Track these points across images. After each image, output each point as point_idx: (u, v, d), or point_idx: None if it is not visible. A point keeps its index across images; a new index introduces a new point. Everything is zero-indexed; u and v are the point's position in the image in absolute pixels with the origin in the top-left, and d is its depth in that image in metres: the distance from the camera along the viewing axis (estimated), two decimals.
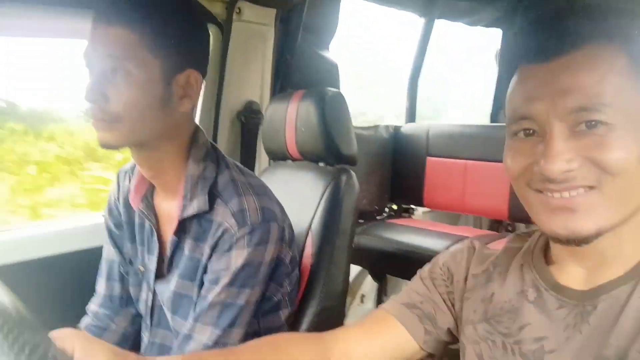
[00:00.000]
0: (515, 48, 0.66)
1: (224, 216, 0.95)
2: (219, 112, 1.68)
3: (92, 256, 1.23)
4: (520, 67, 0.64)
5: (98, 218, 1.48)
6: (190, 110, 1.00)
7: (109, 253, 1.18)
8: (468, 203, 2.19)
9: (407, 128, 2.48)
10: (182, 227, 1.00)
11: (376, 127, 2.38)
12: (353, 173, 1.32)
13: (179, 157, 1.00)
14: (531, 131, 0.62)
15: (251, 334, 0.97)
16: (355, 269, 2.33)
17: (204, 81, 1.01)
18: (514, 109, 0.63)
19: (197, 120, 1.64)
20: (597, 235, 0.59)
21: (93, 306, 1.18)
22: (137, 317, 1.17)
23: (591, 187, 0.58)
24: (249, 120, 1.72)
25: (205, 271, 0.97)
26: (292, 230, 1.09)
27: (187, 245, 1.00)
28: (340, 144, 1.32)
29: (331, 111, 1.32)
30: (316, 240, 1.23)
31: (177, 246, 1.02)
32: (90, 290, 1.20)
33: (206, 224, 0.98)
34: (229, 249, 0.94)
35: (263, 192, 1.01)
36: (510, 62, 0.67)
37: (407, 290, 0.83)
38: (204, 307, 0.94)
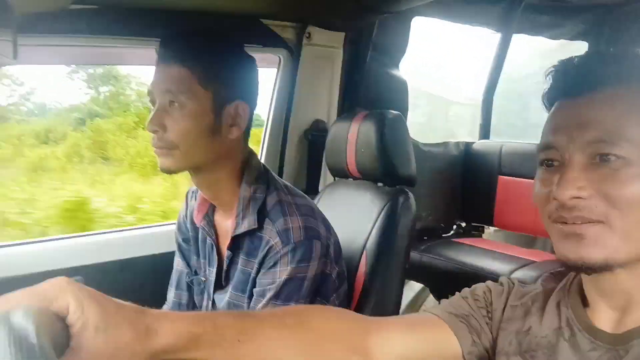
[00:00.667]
0: (552, 86, 0.70)
1: (270, 234, 1.04)
2: (287, 131, 1.77)
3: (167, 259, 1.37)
4: (557, 101, 0.69)
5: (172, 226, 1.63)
6: (241, 137, 1.10)
7: (178, 264, 1.30)
8: (539, 224, 2.09)
9: (479, 145, 2.43)
10: (236, 243, 1.10)
11: (446, 143, 2.36)
12: (411, 194, 1.35)
13: (233, 179, 1.10)
14: (554, 162, 0.65)
15: None
16: (417, 286, 2.32)
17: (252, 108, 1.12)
18: (542, 139, 0.68)
19: (266, 138, 1.75)
20: (606, 265, 0.60)
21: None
22: None
23: (598, 222, 0.60)
24: (315, 138, 1.80)
25: (254, 285, 1.06)
26: (339, 247, 1.15)
27: (240, 259, 1.10)
28: (398, 165, 1.35)
29: (390, 133, 1.35)
30: (370, 259, 1.26)
31: (232, 260, 1.12)
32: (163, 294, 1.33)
33: (257, 241, 1.07)
34: (274, 265, 1.03)
35: (308, 212, 1.08)
36: (549, 99, 0.71)
37: (452, 303, 0.82)
38: None
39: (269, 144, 1.78)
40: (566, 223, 0.62)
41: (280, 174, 1.79)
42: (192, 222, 1.23)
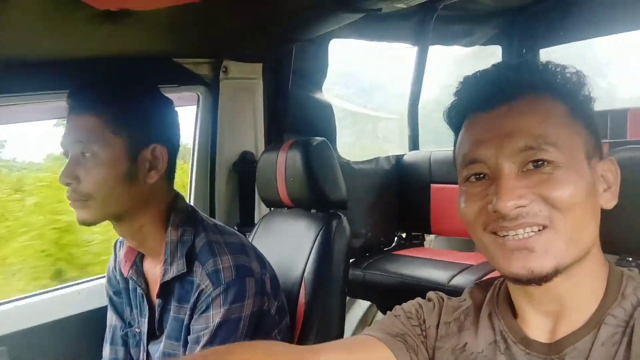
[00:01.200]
0: (462, 100, 0.70)
1: (201, 277, 1.01)
2: (215, 165, 1.74)
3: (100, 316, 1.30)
4: (467, 117, 0.69)
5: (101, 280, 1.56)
6: (163, 181, 1.08)
7: (111, 319, 1.25)
8: None
9: (409, 156, 2.49)
10: (166, 290, 1.07)
11: (377, 159, 2.40)
12: (344, 217, 1.36)
13: (158, 224, 1.07)
14: (482, 175, 0.65)
15: None
16: (365, 304, 2.33)
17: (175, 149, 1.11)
18: (464, 154, 0.67)
19: (194, 174, 1.72)
20: (556, 272, 0.60)
21: None
22: None
23: (544, 227, 0.61)
24: (244, 170, 1.78)
25: (188, 332, 1.03)
26: (277, 281, 1.14)
27: (172, 307, 1.07)
28: (327, 190, 1.36)
29: (317, 160, 1.36)
30: (309, 288, 1.25)
31: (163, 308, 1.08)
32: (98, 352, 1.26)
33: (188, 286, 1.04)
34: (207, 309, 1.00)
35: (239, 250, 1.06)
36: (457, 114, 0.71)
37: (387, 322, 0.80)
38: None
39: (197, 180, 1.74)
40: (507, 236, 0.61)
41: (212, 210, 1.75)
42: (122, 273, 1.18)
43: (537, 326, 0.68)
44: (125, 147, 1.01)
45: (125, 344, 1.22)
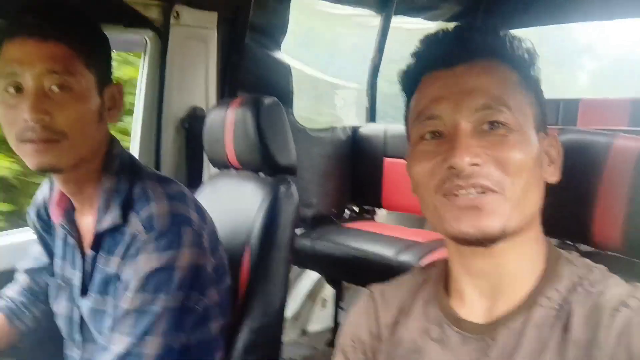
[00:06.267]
0: (422, 57, 0.69)
1: (135, 226, 0.94)
2: (161, 120, 1.63)
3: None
4: (424, 75, 0.68)
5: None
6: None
7: (36, 253, 1.17)
8: None
9: (365, 129, 2.45)
10: (100, 242, 0.99)
11: (333, 128, 2.35)
12: (292, 183, 1.30)
13: (97, 171, 0.99)
14: (437, 134, 0.64)
15: (180, 348, 0.95)
16: (315, 275, 2.31)
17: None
18: (419, 111, 0.66)
19: (139, 128, 1.60)
20: (503, 234, 0.60)
21: (10, 292, 1.18)
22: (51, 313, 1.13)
23: (493, 192, 0.60)
24: (193, 126, 1.67)
25: (119, 281, 0.95)
26: (216, 238, 1.07)
27: (100, 258, 0.99)
28: (277, 154, 1.30)
29: (267, 120, 1.29)
30: (254, 253, 1.20)
31: (94, 261, 1.00)
32: None
33: (119, 236, 0.96)
34: (136, 254, 0.92)
35: (179, 198, 0.99)
36: (415, 74, 0.69)
37: None
38: (118, 316, 0.93)
39: (142, 135, 1.62)
40: (457, 195, 0.60)
41: (157, 168, 1.64)
42: (49, 216, 1.09)
43: (472, 306, 0.67)
44: (94, 82, 0.93)
45: (47, 287, 1.14)
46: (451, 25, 0.68)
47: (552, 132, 0.68)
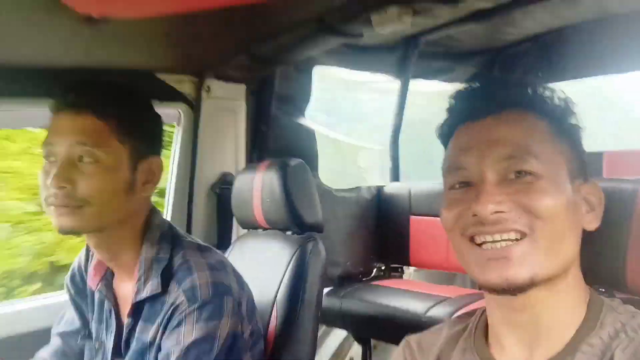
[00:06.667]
0: (454, 110, 0.72)
1: (176, 295, 0.96)
2: (194, 186, 1.71)
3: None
4: (457, 128, 0.70)
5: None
6: (149, 198, 1.05)
7: (69, 317, 1.20)
8: (452, 261, 2.16)
9: (389, 188, 2.49)
10: (137, 310, 1.01)
11: (358, 188, 2.39)
12: (319, 240, 1.33)
13: (134, 239, 1.03)
14: (465, 183, 0.66)
15: None
16: (341, 334, 2.28)
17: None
18: (450, 162, 0.68)
19: (171, 194, 1.68)
20: (532, 283, 0.60)
21: (44, 353, 1.19)
22: None
23: (523, 234, 0.60)
24: (223, 191, 1.74)
25: (158, 350, 0.97)
26: (253, 304, 1.09)
27: (138, 326, 1.01)
28: (303, 212, 1.34)
29: (293, 181, 1.34)
30: (280, 312, 1.22)
31: (132, 328, 1.02)
32: None
33: (158, 306, 0.98)
34: (179, 324, 0.94)
35: (219, 268, 1.02)
36: (448, 127, 0.73)
37: None
38: None
39: (175, 200, 1.71)
40: (484, 243, 0.61)
41: (189, 231, 1.71)
42: (85, 281, 1.13)
43: (512, 354, 0.66)
44: (128, 156, 0.98)
45: (80, 349, 1.16)
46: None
47: (594, 182, 0.68)
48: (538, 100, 0.67)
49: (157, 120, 1.08)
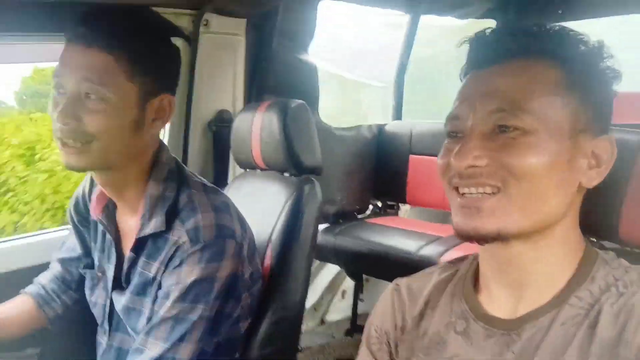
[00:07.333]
0: (467, 58, 0.70)
1: (180, 234, 0.97)
2: (190, 123, 1.69)
3: None
4: (466, 75, 0.70)
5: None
6: (158, 134, 1.04)
7: (71, 244, 1.22)
8: (448, 200, 2.18)
9: (391, 126, 2.48)
10: (140, 245, 1.03)
11: (358, 127, 2.39)
12: (317, 183, 1.34)
13: (141, 176, 1.02)
14: (458, 133, 0.66)
15: (212, 350, 1.00)
16: (335, 268, 2.36)
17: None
18: (451, 111, 0.68)
19: (167, 130, 1.68)
20: (498, 235, 0.62)
21: (43, 279, 1.22)
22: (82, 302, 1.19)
23: (496, 188, 0.62)
24: (220, 129, 1.74)
25: (159, 287, 1.00)
26: (254, 245, 1.11)
27: (141, 261, 1.03)
28: (302, 155, 1.34)
29: (293, 122, 1.33)
30: (275, 251, 1.25)
31: (133, 262, 1.04)
32: None
33: (161, 242, 1.00)
34: (180, 264, 0.96)
35: (223, 209, 1.02)
36: (464, 72, 0.71)
37: None
38: (156, 322, 0.97)
39: (170, 136, 1.70)
40: (464, 194, 0.63)
41: None
42: (89, 211, 1.14)
43: (500, 302, 0.68)
44: (136, 95, 0.94)
45: (80, 276, 1.19)
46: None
47: (607, 137, 0.65)
48: (552, 46, 0.64)
49: (172, 55, 1.02)
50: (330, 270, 2.37)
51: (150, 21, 1.00)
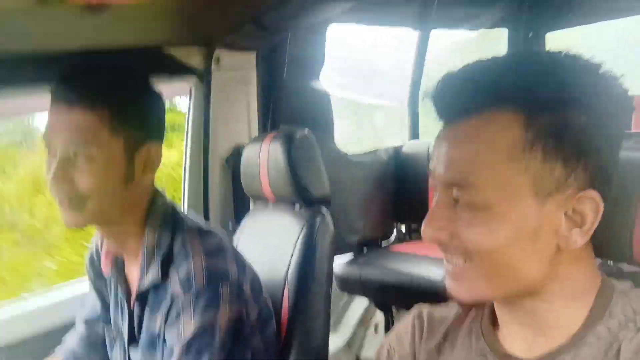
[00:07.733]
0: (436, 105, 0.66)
1: (174, 284, 0.96)
2: (207, 159, 1.70)
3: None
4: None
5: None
6: (152, 182, 1.04)
7: (93, 301, 1.21)
8: None
9: (407, 147, 2.45)
10: (142, 299, 1.02)
11: (375, 151, 2.36)
12: (327, 214, 1.31)
13: (139, 226, 1.02)
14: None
15: None
16: (365, 301, 2.31)
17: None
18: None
19: (187, 169, 1.69)
20: (477, 302, 0.64)
21: (71, 340, 1.22)
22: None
23: (463, 259, 0.61)
24: (237, 164, 1.71)
25: (165, 341, 0.98)
26: (259, 283, 1.08)
27: (146, 316, 1.02)
28: (309, 185, 1.31)
29: (298, 154, 1.30)
30: (292, 290, 1.21)
31: (140, 317, 1.03)
32: None
33: (162, 293, 0.98)
34: (178, 316, 0.94)
35: (216, 252, 0.99)
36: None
37: None
38: None
39: (190, 175, 1.71)
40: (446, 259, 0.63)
41: (206, 206, 1.71)
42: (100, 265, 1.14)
43: (517, 340, 0.66)
44: (122, 148, 0.94)
45: (104, 336, 1.19)
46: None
47: (589, 192, 0.58)
48: (516, 95, 0.56)
49: (155, 103, 1.02)
50: (360, 303, 2.31)
51: (129, 73, 0.99)
